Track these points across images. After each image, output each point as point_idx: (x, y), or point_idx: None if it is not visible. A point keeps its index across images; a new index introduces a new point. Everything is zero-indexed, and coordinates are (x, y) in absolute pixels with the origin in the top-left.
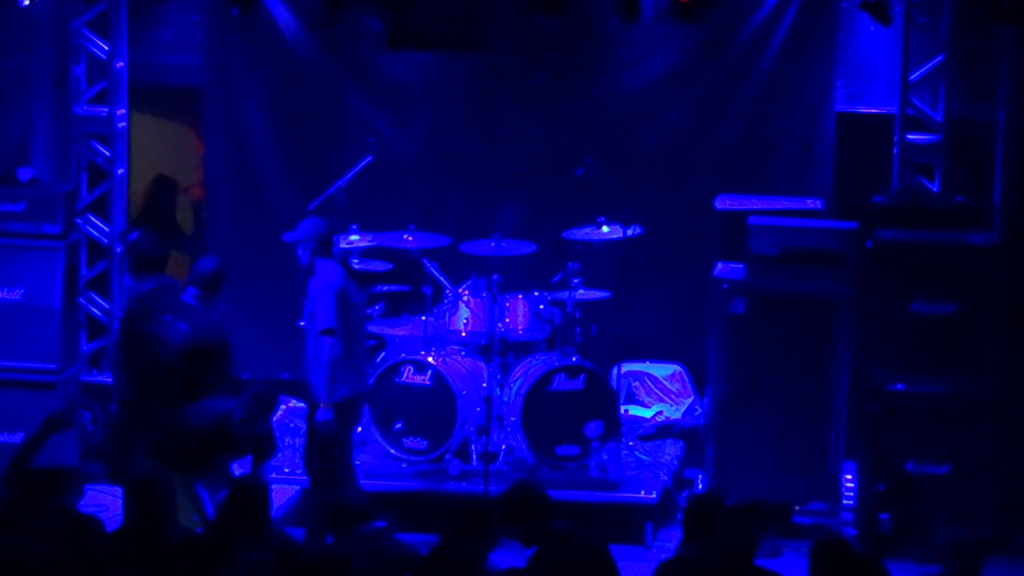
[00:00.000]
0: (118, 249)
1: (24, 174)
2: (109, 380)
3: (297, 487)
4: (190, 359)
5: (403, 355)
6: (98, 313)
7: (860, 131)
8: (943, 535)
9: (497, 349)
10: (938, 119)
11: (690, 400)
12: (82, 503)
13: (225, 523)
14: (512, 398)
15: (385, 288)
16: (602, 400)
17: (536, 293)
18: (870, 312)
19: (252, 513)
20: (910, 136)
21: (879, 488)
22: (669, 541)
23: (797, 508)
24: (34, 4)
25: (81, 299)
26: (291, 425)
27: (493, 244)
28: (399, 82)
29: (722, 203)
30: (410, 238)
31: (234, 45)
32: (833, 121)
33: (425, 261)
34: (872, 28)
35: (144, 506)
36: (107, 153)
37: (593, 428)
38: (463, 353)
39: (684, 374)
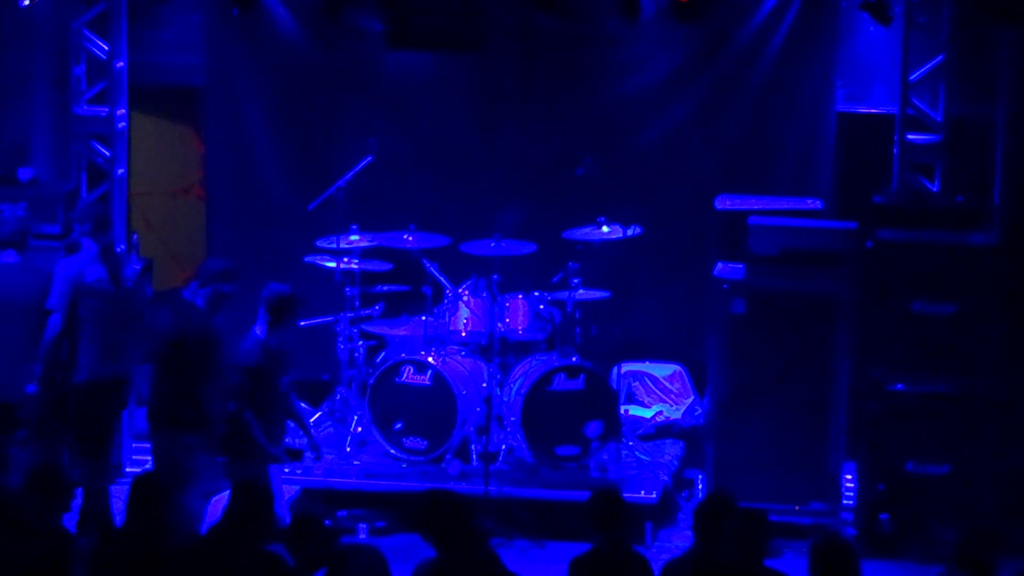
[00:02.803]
0: (118, 249)
1: (24, 174)
2: None
3: (297, 487)
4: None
5: (403, 355)
6: None
7: (860, 131)
8: (951, 535)
9: (497, 349)
10: (938, 119)
11: (690, 400)
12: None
13: (230, 524)
14: (512, 398)
15: (385, 288)
16: (602, 400)
17: (536, 293)
18: (870, 312)
19: (257, 515)
20: (910, 136)
21: (879, 488)
22: (669, 541)
23: (797, 508)
24: (34, 4)
25: None
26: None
27: (493, 244)
28: (399, 82)
29: (722, 203)
30: (410, 238)
31: (234, 45)
32: (833, 121)
33: (425, 261)
34: (872, 28)
35: (144, 506)
36: (107, 153)
37: (593, 428)
38: (463, 353)
39: (684, 374)
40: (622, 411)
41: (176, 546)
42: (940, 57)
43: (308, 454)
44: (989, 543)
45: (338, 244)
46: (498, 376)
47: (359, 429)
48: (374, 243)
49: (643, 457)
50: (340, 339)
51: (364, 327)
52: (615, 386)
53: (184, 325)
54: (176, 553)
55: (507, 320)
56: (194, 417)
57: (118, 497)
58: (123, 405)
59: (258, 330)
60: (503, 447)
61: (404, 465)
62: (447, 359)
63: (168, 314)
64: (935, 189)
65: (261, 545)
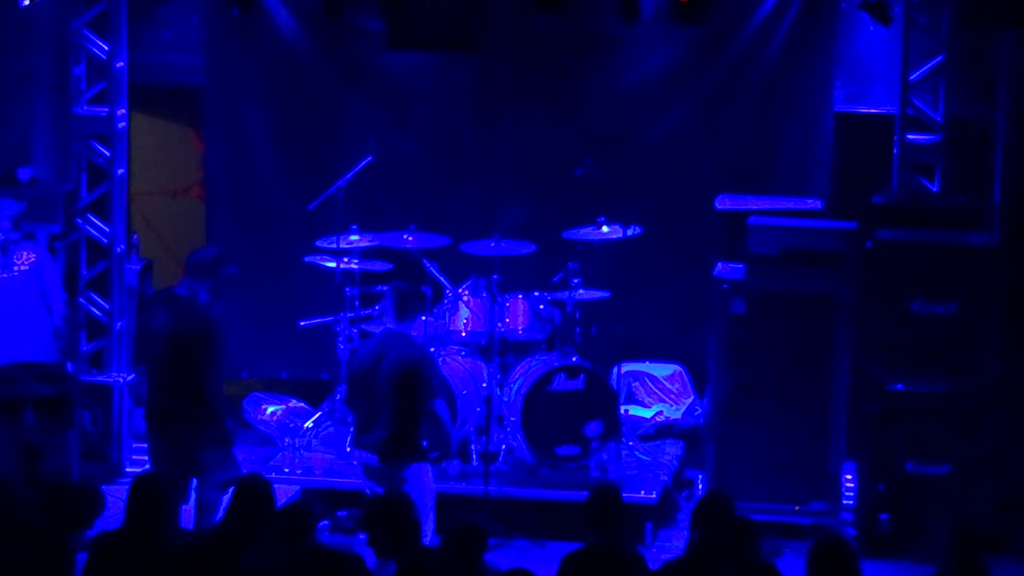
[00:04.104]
0: (118, 249)
1: (24, 174)
2: (109, 380)
3: (297, 487)
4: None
5: None
6: (98, 313)
7: (860, 131)
8: (942, 534)
9: (497, 349)
10: (938, 119)
11: (690, 400)
12: None
13: (231, 523)
14: (512, 398)
15: (385, 288)
16: (602, 400)
17: (536, 293)
18: (870, 312)
19: (258, 513)
20: (910, 136)
21: (879, 488)
22: (669, 541)
23: (797, 508)
24: (34, 4)
25: (81, 299)
26: (291, 425)
27: (493, 244)
28: (399, 82)
29: (722, 203)
30: (410, 238)
31: (234, 45)
32: (833, 121)
33: (425, 261)
34: (872, 28)
35: (144, 506)
36: (107, 153)
37: (593, 428)
38: (463, 353)
39: (684, 374)
40: (622, 411)
41: (176, 546)
42: (940, 57)
43: None
44: (980, 543)
45: (338, 244)
46: (498, 376)
47: None
48: (374, 243)
49: (643, 457)
50: (340, 339)
51: (364, 327)
52: (615, 386)
53: (185, 322)
54: (176, 553)
55: (507, 320)
56: (203, 412)
57: (118, 497)
58: (36, 398)
59: (403, 329)
60: (503, 447)
61: None
62: (447, 359)
63: (166, 313)
64: (935, 189)
65: (262, 544)
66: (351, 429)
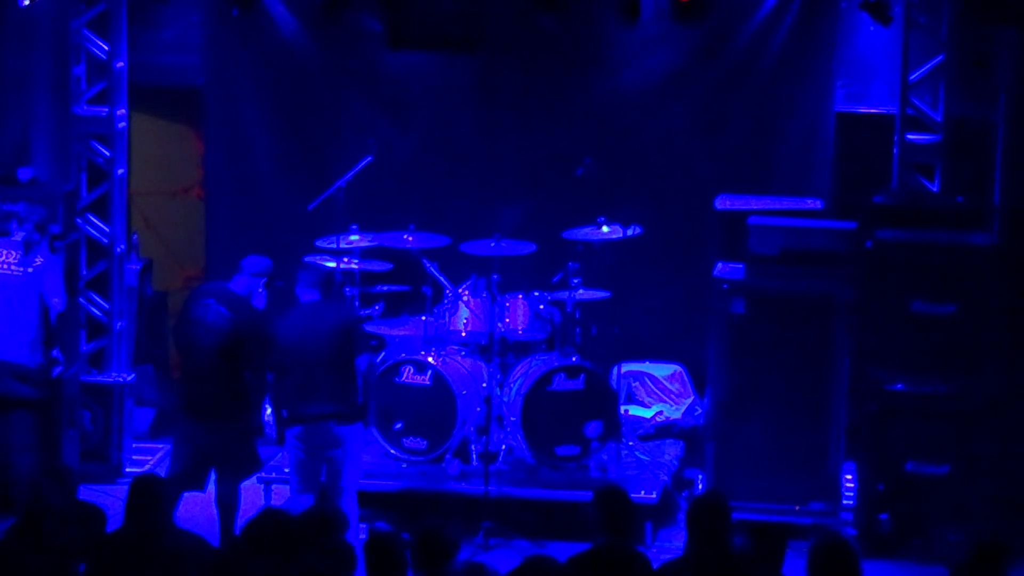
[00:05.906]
0: (118, 249)
1: (24, 174)
2: (109, 380)
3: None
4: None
5: (403, 355)
6: (98, 313)
7: (860, 131)
8: (951, 535)
9: (497, 349)
10: (938, 119)
11: (690, 400)
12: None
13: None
14: (512, 398)
15: (385, 288)
16: (602, 400)
17: (536, 293)
18: (870, 312)
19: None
20: (910, 136)
21: (879, 488)
22: (669, 541)
23: (797, 508)
24: (34, 4)
25: (81, 299)
26: None
27: (493, 244)
28: (399, 82)
29: (722, 203)
30: (410, 238)
31: (234, 45)
32: (833, 121)
33: (425, 261)
34: (872, 28)
35: (144, 507)
36: (107, 153)
37: (593, 428)
38: (463, 353)
39: (684, 374)
40: (622, 411)
41: (176, 548)
42: (940, 57)
43: None
44: (1001, 554)
45: (338, 244)
46: (498, 376)
47: None
48: (374, 243)
49: (643, 457)
50: None
51: (364, 327)
52: (615, 386)
53: (244, 318)
54: (174, 554)
55: (507, 320)
56: (243, 407)
57: (118, 497)
58: (29, 393)
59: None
60: (503, 447)
61: (404, 465)
62: (447, 359)
63: (223, 308)
64: (935, 189)
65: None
66: (288, 407)
